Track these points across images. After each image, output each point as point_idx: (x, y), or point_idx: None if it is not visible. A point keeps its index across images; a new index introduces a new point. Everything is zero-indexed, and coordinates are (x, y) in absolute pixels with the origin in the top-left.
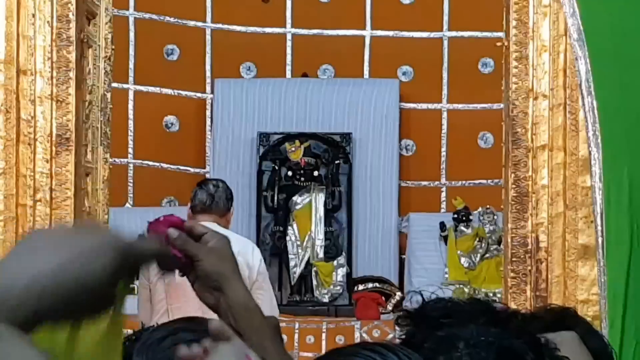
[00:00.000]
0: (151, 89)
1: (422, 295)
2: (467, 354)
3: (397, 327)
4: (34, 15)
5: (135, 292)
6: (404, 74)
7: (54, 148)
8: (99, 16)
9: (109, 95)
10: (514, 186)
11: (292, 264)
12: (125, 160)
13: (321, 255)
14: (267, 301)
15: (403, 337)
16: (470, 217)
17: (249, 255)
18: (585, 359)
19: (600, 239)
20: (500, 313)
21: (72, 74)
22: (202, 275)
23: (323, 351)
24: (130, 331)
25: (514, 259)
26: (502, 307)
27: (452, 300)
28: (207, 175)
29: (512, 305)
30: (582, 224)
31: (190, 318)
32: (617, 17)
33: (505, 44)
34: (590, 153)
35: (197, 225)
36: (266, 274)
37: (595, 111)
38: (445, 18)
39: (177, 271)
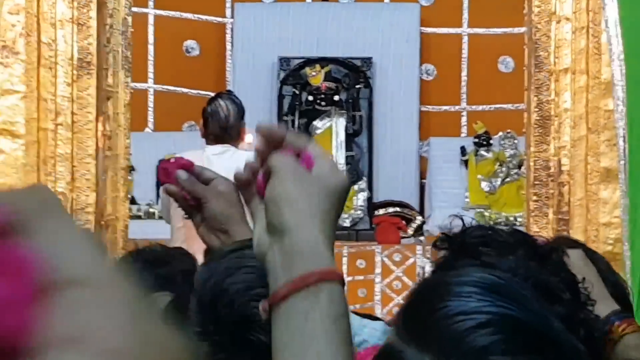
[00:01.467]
0: (171, 13)
1: (462, 219)
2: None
3: (433, 249)
4: None
5: None
6: None
7: (75, 72)
8: None
9: (129, 19)
10: (536, 110)
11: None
12: (146, 85)
13: None
14: None
15: (440, 260)
16: (491, 142)
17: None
18: (594, 274)
19: (622, 162)
20: (540, 247)
21: None
22: (210, 216)
23: (344, 276)
24: None
25: (536, 182)
26: (542, 241)
27: (493, 228)
28: None
29: (534, 228)
30: (605, 147)
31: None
32: None
33: None
34: (613, 76)
35: (206, 170)
36: None
37: (619, 35)
38: None
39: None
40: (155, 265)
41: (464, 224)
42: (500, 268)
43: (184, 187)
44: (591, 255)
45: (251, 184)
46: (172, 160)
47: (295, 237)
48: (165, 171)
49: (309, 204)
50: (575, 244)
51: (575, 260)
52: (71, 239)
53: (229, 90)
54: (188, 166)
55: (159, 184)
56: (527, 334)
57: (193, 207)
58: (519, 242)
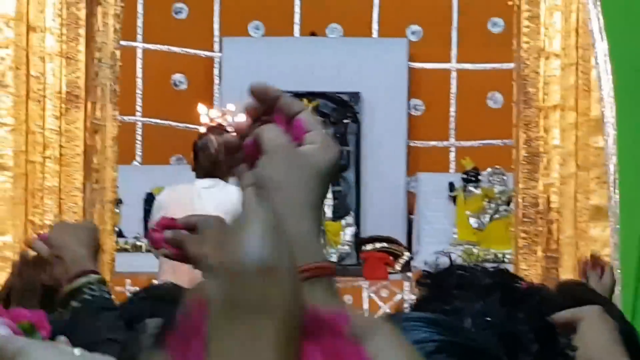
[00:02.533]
0: (159, 47)
1: (450, 257)
2: (472, 332)
3: (416, 289)
4: None
5: None
6: (413, 33)
7: (63, 105)
8: None
9: (118, 52)
10: (525, 146)
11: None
12: (134, 118)
13: (329, 214)
14: None
15: (415, 302)
16: (479, 178)
17: None
18: (612, 332)
19: (613, 200)
20: (517, 292)
21: (81, 31)
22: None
23: None
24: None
25: (525, 220)
26: (525, 284)
27: (473, 268)
28: None
29: (523, 266)
30: (594, 184)
31: None
32: None
33: (517, 2)
34: (603, 113)
35: (189, 218)
36: None
37: (609, 71)
38: None
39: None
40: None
41: (451, 262)
42: (470, 313)
43: (173, 245)
44: (610, 311)
45: (239, 149)
46: (154, 228)
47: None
48: (153, 240)
49: (299, 191)
50: (594, 297)
51: (590, 320)
52: (396, 346)
53: (220, 124)
54: (171, 224)
55: (146, 216)
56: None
57: (184, 260)
58: (496, 285)
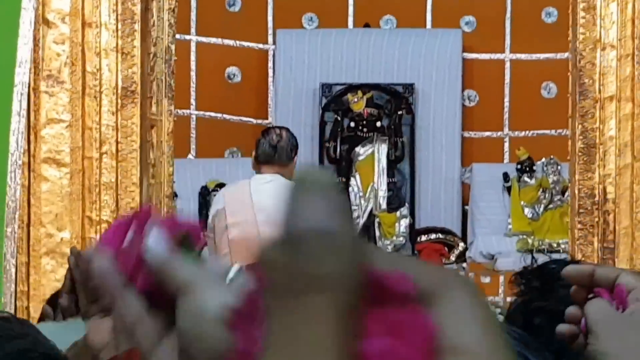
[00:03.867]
0: (213, 40)
1: (534, 258)
2: None
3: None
4: None
5: None
6: (466, 24)
7: (119, 100)
8: None
9: (173, 47)
10: (581, 137)
11: (355, 215)
12: (188, 111)
13: (384, 206)
14: None
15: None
16: (534, 168)
17: None
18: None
19: None
20: None
21: (137, 26)
22: None
23: None
24: None
25: (581, 211)
26: None
27: (568, 263)
28: (270, 127)
29: (579, 257)
30: None
31: None
32: None
33: None
34: None
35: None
36: None
37: None
38: None
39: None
40: None
41: (534, 262)
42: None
43: None
44: None
45: None
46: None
47: None
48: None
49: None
50: None
51: None
52: (468, 309)
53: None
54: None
55: (201, 209)
56: None
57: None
58: None
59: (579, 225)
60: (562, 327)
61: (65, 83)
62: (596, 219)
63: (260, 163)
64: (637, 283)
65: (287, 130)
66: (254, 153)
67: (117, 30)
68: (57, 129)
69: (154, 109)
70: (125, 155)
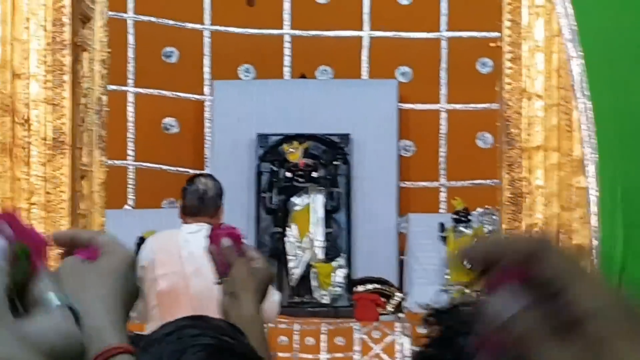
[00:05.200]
0: (150, 91)
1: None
2: None
3: (421, 323)
4: (28, 19)
5: None
6: (402, 74)
7: (49, 151)
8: (94, 19)
9: (104, 97)
10: (508, 187)
11: (291, 265)
12: (125, 162)
13: (321, 256)
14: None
15: (435, 335)
16: (470, 218)
17: None
18: None
19: (594, 240)
20: None
21: (66, 77)
22: (229, 280)
23: (322, 353)
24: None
25: None
26: None
27: (482, 302)
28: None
29: None
30: (577, 224)
31: (195, 316)
32: (610, 17)
33: (499, 44)
34: (584, 153)
35: (254, 251)
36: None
37: (590, 111)
38: (443, 18)
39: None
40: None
41: (453, 299)
42: None
43: (222, 252)
44: None
45: None
46: (225, 226)
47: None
48: (215, 234)
49: (87, 294)
50: None
51: None
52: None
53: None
54: (236, 238)
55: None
56: None
57: (224, 272)
58: None
59: None
60: None
61: None
62: None
63: (187, 215)
64: (108, 242)
65: (212, 177)
66: (180, 203)
67: (46, 81)
68: None
69: (84, 159)
70: (55, 206)
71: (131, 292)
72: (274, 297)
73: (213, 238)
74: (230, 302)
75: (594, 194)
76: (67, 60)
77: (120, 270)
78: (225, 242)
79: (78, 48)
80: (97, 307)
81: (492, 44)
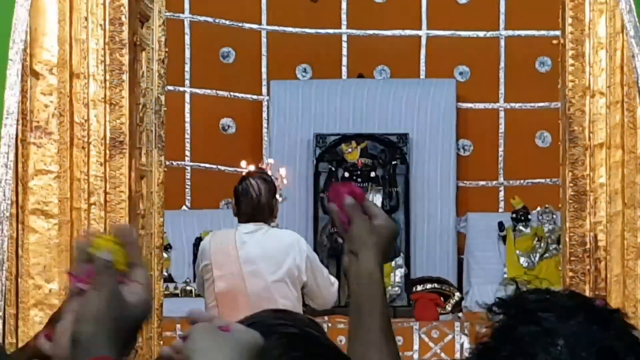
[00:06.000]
0: (207, 91)
1: (517, 283)
2: (567, 352)
3: (489, 315)
4: (86, 19)
5: None
6: (460, 73)
7: (107, 151)
8: (152, 19)
9: (163, 97)
10: (571, 185)
11: None
12: (183, 162)
13: None
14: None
15: (496, 326)
16: (529, 217)
17: (295, 252)
18: None
19: None
20: (601, 310)
21: (125, 77)
22: (350, 237)
23: None
24: None
25: (572, 258)
26: (601, 303)
27: (550, 291)
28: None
29: None
30: None
31: (277, 310)
32: None
33: (562, 41)
34: None
35: (376, 207)
36: (316, 258)
37: None
38: (502, 17)
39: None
40: None
41: (518, 288)
42: (562, 334)
43: (344, 209)
44: None
45: None
46: (347, 184)
47: None
48: (336, 192)
49: (219, 353)
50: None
51: None
52: None
53: (261, 169)
54: (358, 195)
55: (194, 261)
56: None
57: (345, 229)
58: (579, 305)
59: (571, 274)
60: None
61: (53, 134)
62: (587, 267)
63: (242, 222)
64: (239, 326)
65: (262, 177)
66: (233, 203)
67: (105, 81)
68: (45, 180)
69: (143, 159)
70: (114, 206)
71: None
72: (333, 283)
73: (334, 195)
74: (350, 259)
75: None
76: (126, 59)
77: (250, 347)
78: (349, 200)
79: (137, 48)
80: None
81: (554, 41)
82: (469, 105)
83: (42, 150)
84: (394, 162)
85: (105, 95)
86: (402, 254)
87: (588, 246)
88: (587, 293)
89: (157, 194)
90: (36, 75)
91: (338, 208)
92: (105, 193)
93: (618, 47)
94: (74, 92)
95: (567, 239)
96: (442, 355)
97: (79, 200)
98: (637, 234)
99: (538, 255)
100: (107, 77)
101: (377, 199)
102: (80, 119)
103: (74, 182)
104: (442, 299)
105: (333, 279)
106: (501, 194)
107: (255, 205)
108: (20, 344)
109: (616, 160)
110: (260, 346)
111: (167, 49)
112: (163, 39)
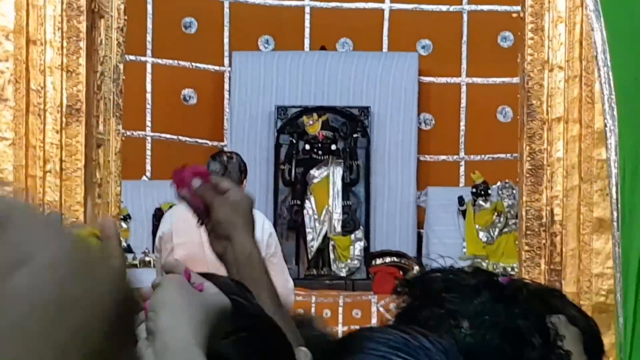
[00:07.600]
0: (169, 61)
1: (438, 263)
2: (471, 334)
3: (395, 296)
4: None
5: None
6: (423, 47)
7: (64, 119)
8: None
9: (121, 66)
10: (528, 159)
11: (309, 237)
12: (144, 133)
13: (338, 229)
14: (279, 269)
15: (402, 308)
16: (489, 191)
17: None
18: (575, 341)
19: (615, 212)
20: (506, 288)
21: (82, 44)
22: (215, 223)
23: (340, 325)
24: None
25: (528, 232)
26: (505, 280)
27: (454, 271)
28: (225, 149)
29: (526, 279)
30: (597, 197)
31: (204, 273)
32: None
33: (522, 15)
34: (605, 125)
35: (224, 182)
36: (277, 244)
37: (612, 83)
38: None
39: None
40: None
41: (423, 269)
42: (466, 314)
43: (196, 194)
44: (574, 321)
45: None
46: (188, 167)
47: (167, 338)
48: (180, 178)
49: (187, 312)
50: (565, 302)
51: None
52: None
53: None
54: (204, 174)
55: (154, 231)
56: None
57: (204, 214)
58: (483, 283)
59: (526, 247)
60: None
61: (9, 101)
62: (543, 241)
63: None
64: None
65: (238, 154)
66: None
67: (62, 47)
68: (0, 147)
69: (100, 128)
70: (70, 174)
71: (214, 334)
72: (288, 284)
73: (179, 182)
74: (221, 246)
75: (614, 166)
76: (83, 26)
77: (217, 309)
78: (196, 182)
79: (95, 15)
80: (189, 325)
81: (514, 15)
82: (431, 79)
83: None
84: (355, 135)
85: (62, 62)
86: (361, 227)
87: (544, 220)
88: (543, 267)
89: (114, 163)
90: None
91: (189, 195)
92: (61, 161)
93: (577, 21)
94: (30, 58)
95: (524, 213)
96: None
97: (34, 167)
98: (593, 208)
99: (497, 230)
100: (65, 44)
101: (337, 171)
102: (36, 86)
103: (30, 149)
104: (401, 272)
105: (289, 279)
106: (462, 168)
107: (225, 166)
108: None
109: (573, 134)
110: (227, 311)
111: (126, 17)
112: (122, 6)
